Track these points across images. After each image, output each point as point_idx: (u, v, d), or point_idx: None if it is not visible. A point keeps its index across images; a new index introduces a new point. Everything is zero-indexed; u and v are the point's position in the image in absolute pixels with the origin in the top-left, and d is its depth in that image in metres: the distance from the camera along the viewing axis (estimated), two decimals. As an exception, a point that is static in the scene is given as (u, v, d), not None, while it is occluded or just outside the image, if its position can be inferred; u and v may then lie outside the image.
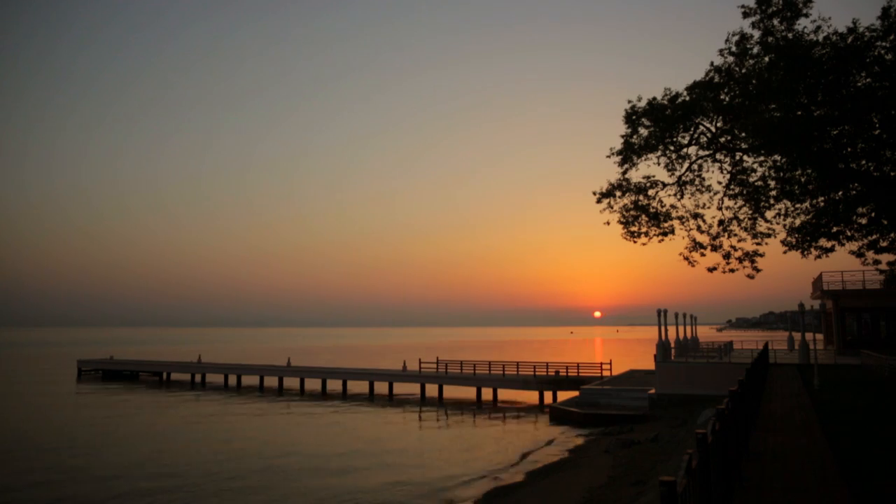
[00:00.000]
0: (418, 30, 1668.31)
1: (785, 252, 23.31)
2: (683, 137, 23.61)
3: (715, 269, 25.00)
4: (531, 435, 33.55)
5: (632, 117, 23.59)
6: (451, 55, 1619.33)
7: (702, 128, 23.28)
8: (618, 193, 24.69)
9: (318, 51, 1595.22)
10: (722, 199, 24.30)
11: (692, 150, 23.97)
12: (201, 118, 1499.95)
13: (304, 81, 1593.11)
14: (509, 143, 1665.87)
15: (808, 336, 35.56)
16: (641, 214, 24.54)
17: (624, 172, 24.46)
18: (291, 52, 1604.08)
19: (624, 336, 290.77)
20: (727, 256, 24.60)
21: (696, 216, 24.65)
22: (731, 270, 24.72)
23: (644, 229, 24.72)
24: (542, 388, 46.05)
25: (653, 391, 35.32)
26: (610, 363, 47.92)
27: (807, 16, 19.51)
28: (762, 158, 22.46)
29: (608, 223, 25.27)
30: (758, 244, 24.24)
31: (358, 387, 54.58)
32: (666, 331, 36.91)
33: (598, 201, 25.01)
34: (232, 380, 60.50)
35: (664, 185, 24.47)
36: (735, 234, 24.40)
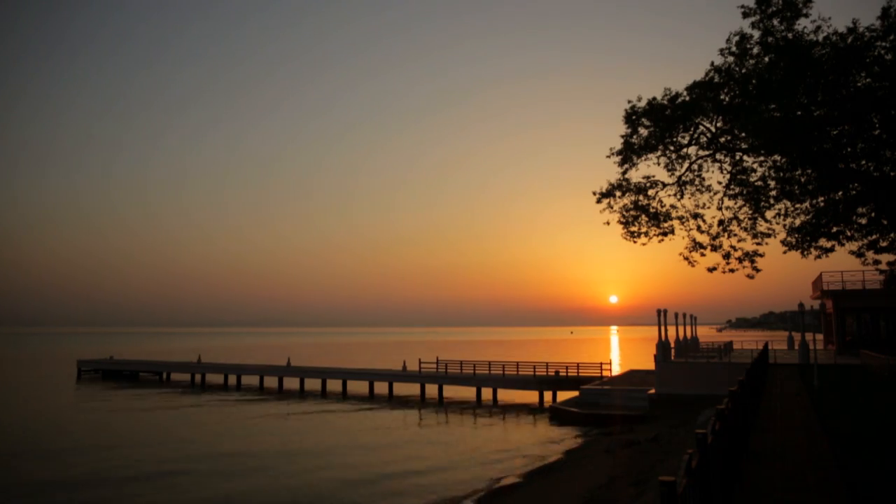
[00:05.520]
0: (431, 36, 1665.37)
1: (785, 252, 23.30)
2: (683, 137, 23.59)
3: (715, 269, 24.98)
4: (531, 435, 33.54)
5: (632, 117, 23.58)
6: (459, 56, 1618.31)
7: (702, 128, 23.26)
8: (618, 193, 24.67)
9: (333, 64, 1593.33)
10: (722, 199, 24.27)
11: (692, 150, 23.96)
12: (225, 125, 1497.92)
13: (316, 96, 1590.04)
14: (513, 146, 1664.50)
15: (808, 336, 35.57)
16: (641, 214, 24.51)
17: (624, 172, 24.45)
18: (311, 65, 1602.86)
19: (624, 336, 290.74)
20: (727, 256, 24.57)
21: (696, 216, 24.63)
22: (731, 270, 24.69)
23: (644, 229, 24.70)
24: (542, 388, 46.05)
25: (653, 391, 35.34)
26: (610, 363, 47.94)
27: (807, 16, 19.51)
28: (762, 158, 22.44)
29: (608, 223, 25.26)
30: (758, 244, 24.21)
31: (358, 387, 54.60)
32: (666, 331, 36.94)
33: (598, 201, 25.00)
34: (232, 380, 60.56)
35: (664, 185, 24.45)
36: (735, 234, 24.37)
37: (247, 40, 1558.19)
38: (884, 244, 21.63)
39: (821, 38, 19.15)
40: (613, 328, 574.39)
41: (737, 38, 21.08)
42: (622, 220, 24.73)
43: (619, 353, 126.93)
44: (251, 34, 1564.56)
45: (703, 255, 24.88)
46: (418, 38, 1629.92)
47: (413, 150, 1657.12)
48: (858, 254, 22.43)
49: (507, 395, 48.36)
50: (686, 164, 24.18)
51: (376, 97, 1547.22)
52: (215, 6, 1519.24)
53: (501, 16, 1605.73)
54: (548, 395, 45.39)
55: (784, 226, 23.21)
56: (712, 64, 21.92)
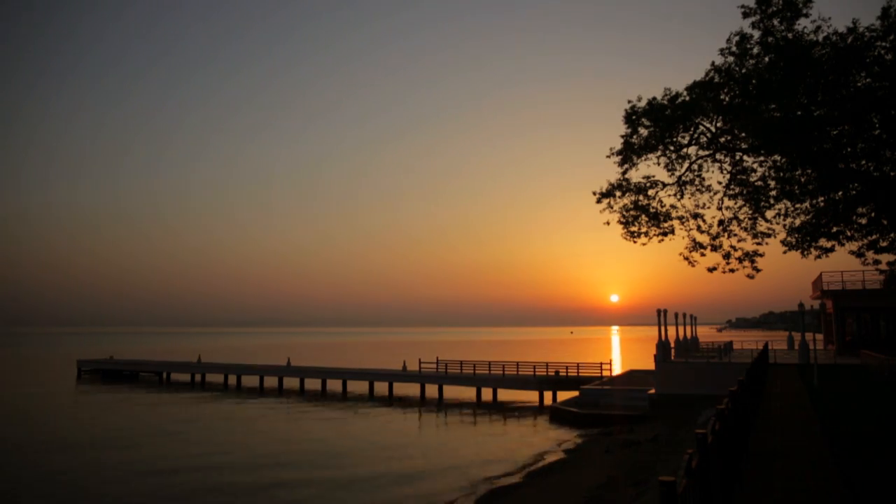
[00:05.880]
0: (431, 36, 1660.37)
1: (785, 252, 23.28)
2: (683, 137, 23.57)
3: (715, 269, 24.96)
4: (531, 435, 33.54)
5: (632, 117, 23.56)
6: (461, 56, 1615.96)
7: (702, 128, 23.24)
8: (618, 193, 24.64)
9: (336, 68, 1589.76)
10: (722, 199, 24.25)
11: (692, 150, 23.93)
12: (230, 131, 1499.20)
13: (314, 102, 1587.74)
14: (514, 147, 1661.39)
15: (808, 336, 35.59)
16: (641, 214, 24.49)
17: (624, 172, 24.43)
18: (315, 71, 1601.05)
19: (625, 336, 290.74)
20: (727, 256, 24.55)
21: (696, 216, 24.61)
22: (731, 270, 24.67)
23: (644, 229, 24.68)
24: (542, 388, 46.05)
25: (653, 391, 35.34)
26: (610, 363, 47.94)
27: (807, 16, 19.50)
28: (762, 158, 22.43)
29: (608, 223, 25.25)
30: (758, 244, 24.20)
31: (358, 387, 54.60)
32: (666, 331, 36.96)
33: (599, 201, 24.98)
34: (232, 380, 60.55)
35: (664, 185, 24.42)
36: (735, 234, 24.36)
37: (251, 45, 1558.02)
38: (884, 244, 21.62)
39: (821, 38, 19.15)
40: (614, 328, 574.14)
41: (737, 38, 21.06)
42: (622, 220, 24.71)
43: (620, 353, 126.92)
44: (254, 40, 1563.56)
45: (703, 255, 24.86)
46: (424, 42, 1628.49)
47: (413, 156, 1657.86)
48: (858, 254, 22.42)
49: (507, 395, 48.37)
50: (686, 164, 24.16)
51: (378, 105, 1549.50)
52: (220, 11, 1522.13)
53: (503, 20, 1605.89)
54: (548, 395, 45.38)
55: (784, 226, 23.19)
56: (712, 64, 21.91)
